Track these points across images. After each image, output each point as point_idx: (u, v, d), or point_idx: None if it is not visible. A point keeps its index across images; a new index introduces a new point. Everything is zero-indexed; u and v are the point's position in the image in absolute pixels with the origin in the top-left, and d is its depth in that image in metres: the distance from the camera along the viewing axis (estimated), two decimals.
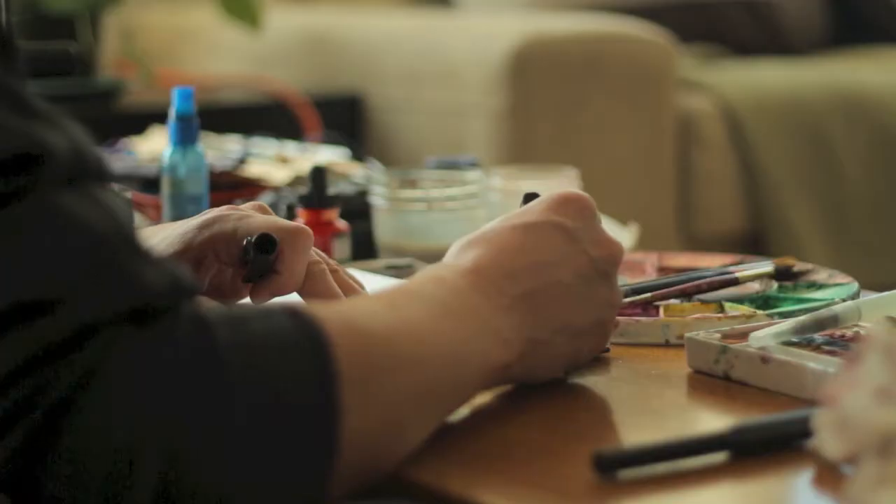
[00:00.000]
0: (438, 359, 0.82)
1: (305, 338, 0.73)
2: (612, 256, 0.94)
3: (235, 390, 0.70)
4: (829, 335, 1.01)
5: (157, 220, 1.47)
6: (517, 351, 0.88)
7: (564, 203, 0.94)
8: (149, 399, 0.68)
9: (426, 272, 0.89)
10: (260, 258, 1.01)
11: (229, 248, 1.04)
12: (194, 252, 1.04)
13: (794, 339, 0.99)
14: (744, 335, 1.00)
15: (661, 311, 1.11)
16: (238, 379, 0.70)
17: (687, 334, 1.00)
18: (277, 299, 1.04)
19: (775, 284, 1.18)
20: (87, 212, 0.71)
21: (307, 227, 1.04)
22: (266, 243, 1.01)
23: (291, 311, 0.75)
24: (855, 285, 1.16)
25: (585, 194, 0.95)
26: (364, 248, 1.42)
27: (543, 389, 0.96)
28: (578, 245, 0.92)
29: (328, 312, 0.77)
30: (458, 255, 0.91)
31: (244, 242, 1.02)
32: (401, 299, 0.84)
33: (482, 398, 0.94)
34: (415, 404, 0.80)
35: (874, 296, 1.06)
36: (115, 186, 0.78)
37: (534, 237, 0.92)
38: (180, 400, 0.69)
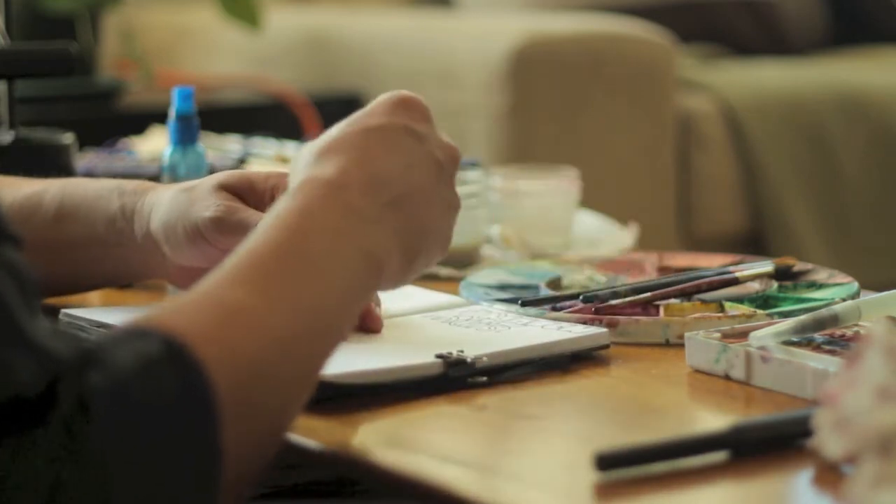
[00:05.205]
0: (315, 325, 0.81)
1: (189, 401, 0.71)
2: (455, 158, 0.94)
3: (111, 470, 0.68)
4: (829, 335, 1.01)
5: None
6: (389, 267, 0.87)
7: (407, 105, 0.92)
8: (15, 497, 0.66)
9: (289, 206, 0.85)
10: None
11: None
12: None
13: (795, 339, 0.99)
14: (744, 335, 1.00)
15: (661, 310, 1.11)
16: (115, 461, 0.68)
17: (687, 334, 1.00)
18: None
19: (775, 284, 1.18)
20: None
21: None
22: None
23: (178, 370, 0.72)
24: (855, 285, 1.16)
25: (419, 97, 0.94)
26: None
27: (543, 390, 0.97)
28: (427, 147, 0.92)
29: (216, 354, 0.74)
30: (317, 165, 0.89)
31: None
32: (273, 271, 0.81)
33: (482, 399, 0.94)
34: (295, 387, 0.79)
35: (874, 296, 1.06)
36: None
37: (390, 141, 0.90)
38: (51, 495, 0.67)
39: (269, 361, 0.77)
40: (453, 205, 0.94)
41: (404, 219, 0.89)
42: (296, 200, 0.85)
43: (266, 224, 0.83)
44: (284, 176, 1.07)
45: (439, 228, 0.92)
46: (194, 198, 1.07)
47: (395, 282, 0.91)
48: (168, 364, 0.72)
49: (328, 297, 0.82)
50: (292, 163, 0.92)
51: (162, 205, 1.08)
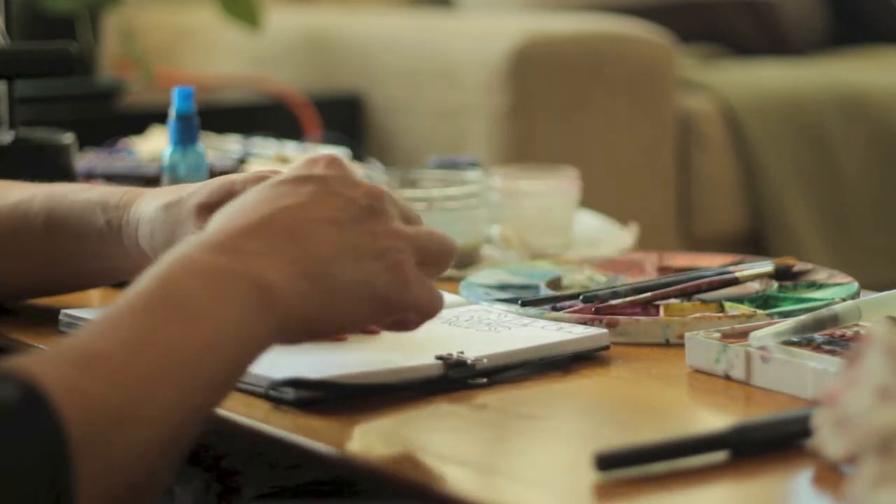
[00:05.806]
0: (195, 380, 0.81)
1: (42, 446, 0.72)
2: (371, 192, 0.93)
3: None
4: (830, 335, 1.01)
5: None
6: (291, 293, 0.86)
7: (312, 161, 0.94)
8: None
9: (169, 257, 0.85)
10: None
11: None
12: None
13: (794, 339, 0.99)
14: (744, 335, 1.00)
15: (661, 310, 1.11)
16: None
17: (687, 334, 1.00)
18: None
19: (775, 284, 1.18)
20: None
21: None
22: None
23: (31, 415, 0.73)
24: (855, 285, 1.16)
25: (334, 154, 0.95)
26: None
27: (543, 390, 0.97)
28: (330, 188, 0.91)
29: (72, 401, 0.74)
30: (207, 224, 0.90)
31: None
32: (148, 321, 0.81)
33: (482, 399, 0.94)
34: (176, 424, 0.79)
35: (874, 296, 1.06)
36: None
37: (280, 189, 0.91)
38: None
39: (126, 407, 0.77)
40: (386, 233, 0.92)
41: (303, 247, 0.88)
42: (175, 251, 0.85)
43: (145, 275, 0.84)
44: (267, 178, 1.06)
45: (362, 251, 0.90)
46: (176, 221, 1.06)
47: (317, 312, 0.88)
48: (22, 408, 0.73)
49: (202, 340, 0.81)
50: None
51: (146, 223, 1.08)
